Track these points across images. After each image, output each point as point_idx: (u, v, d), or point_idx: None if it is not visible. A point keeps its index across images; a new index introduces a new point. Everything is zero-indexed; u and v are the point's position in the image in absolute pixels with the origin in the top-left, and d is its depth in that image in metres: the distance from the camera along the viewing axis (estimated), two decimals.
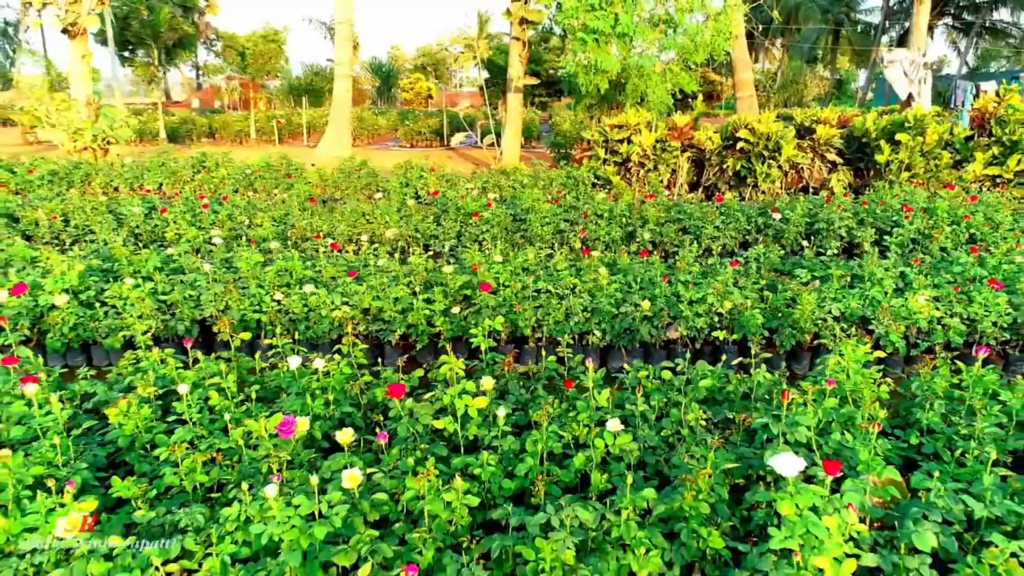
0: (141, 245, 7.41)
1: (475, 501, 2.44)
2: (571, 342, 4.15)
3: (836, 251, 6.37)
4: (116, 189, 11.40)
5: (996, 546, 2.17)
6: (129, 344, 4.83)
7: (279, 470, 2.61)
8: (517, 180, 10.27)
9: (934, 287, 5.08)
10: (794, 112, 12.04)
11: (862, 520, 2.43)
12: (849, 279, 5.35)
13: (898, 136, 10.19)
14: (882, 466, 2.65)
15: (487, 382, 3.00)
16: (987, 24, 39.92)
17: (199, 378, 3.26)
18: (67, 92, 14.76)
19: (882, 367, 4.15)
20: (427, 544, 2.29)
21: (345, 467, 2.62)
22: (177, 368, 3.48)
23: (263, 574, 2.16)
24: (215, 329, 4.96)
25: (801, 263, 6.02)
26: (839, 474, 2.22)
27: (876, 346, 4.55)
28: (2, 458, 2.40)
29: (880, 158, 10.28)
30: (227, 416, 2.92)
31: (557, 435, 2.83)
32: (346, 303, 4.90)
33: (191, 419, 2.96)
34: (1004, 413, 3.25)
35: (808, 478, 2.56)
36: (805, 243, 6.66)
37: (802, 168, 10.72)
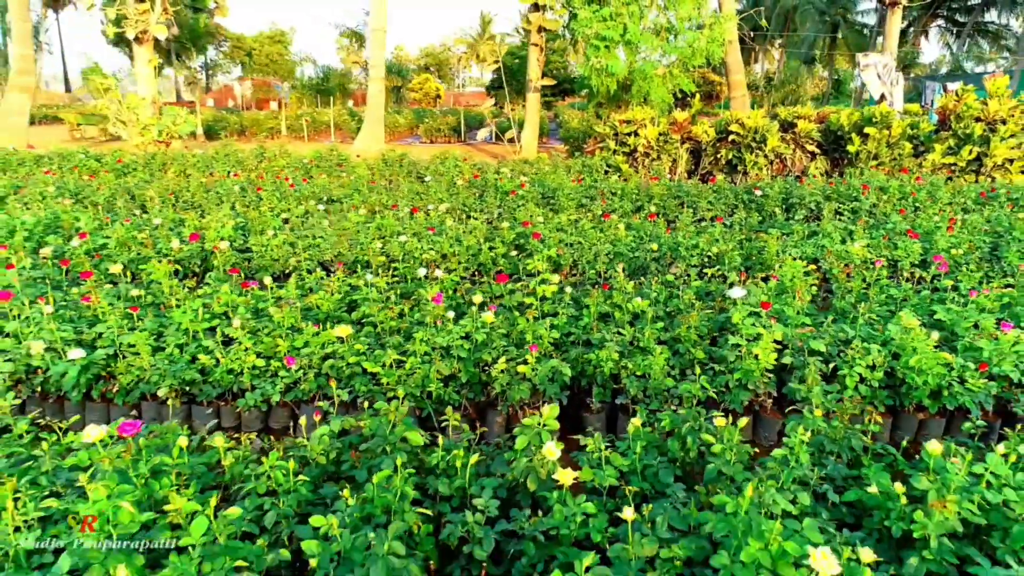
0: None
1: (557, 334, 4.14)
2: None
3: (803, 218, 8.06)
4: (188, 176, 13.08)
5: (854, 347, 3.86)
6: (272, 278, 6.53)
7: (438, 319, 4.31)
8: (539, 168, 11.97)
9: (870, 238, 6.78)
10: (779, 110, 13.73)
11: (785, 346, 4.12)
12: (808, 234, 7.06)
13: (867, 130, 11.88)
14: (803, 320, 4.34)
15: (555, 277, 4.70)
16: (977, 26, 41.61)
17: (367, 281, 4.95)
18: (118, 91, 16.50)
19: (825, 287, 5.88)
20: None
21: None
22: (343, 279, 5.18)
23: (444, 362, 3.86)
24: (333, 268, 6.68)
25: (774, 225, 7.71)
26: (770, 307, 3.91)
27: (824, 278, 6.24)
28: (282, 307, 4.10)
29: (851, 148, 11.98)
30: (392, 296, 4.62)
31: (602, 304, 4.53)
32: (431, 249, 6.59)
33: (372, 298, 4.67)
34: (893, 301, 4.96)
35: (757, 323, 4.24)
36: (778, 211, 8.36)
37: (785, 157, 12.42)
